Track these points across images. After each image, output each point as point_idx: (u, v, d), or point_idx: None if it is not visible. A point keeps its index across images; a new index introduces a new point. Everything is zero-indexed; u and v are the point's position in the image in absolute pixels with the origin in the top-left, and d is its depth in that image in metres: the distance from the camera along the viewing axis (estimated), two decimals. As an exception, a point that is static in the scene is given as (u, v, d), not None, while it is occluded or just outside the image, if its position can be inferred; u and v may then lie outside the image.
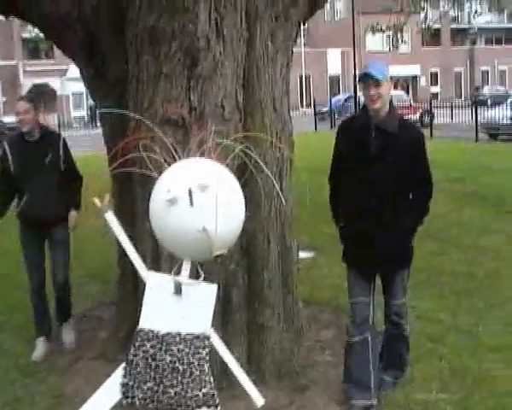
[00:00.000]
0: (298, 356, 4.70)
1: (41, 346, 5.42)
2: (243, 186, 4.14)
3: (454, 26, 54.03)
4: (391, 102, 3.98)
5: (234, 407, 4.17)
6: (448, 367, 4.70)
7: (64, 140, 5.32)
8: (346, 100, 36.09)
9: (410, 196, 4.06)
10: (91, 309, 6.39)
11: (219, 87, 4.24)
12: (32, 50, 44.56)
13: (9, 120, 30.99)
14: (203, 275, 3.88)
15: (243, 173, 4.29)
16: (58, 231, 5.37)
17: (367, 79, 3.84)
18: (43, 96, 46.51)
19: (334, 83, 52.96)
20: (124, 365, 3.91)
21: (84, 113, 44.43)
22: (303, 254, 7.23)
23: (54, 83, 45.83)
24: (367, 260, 4.05)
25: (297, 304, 4.94)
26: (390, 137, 3.90)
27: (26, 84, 46.00)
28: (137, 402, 3.88)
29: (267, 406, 4.11)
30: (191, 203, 3.60)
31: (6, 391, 4.78)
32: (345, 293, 6.01)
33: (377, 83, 3.82)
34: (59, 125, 28.21)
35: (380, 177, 3.90)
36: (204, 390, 3.79)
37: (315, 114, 31.79)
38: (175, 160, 3.96)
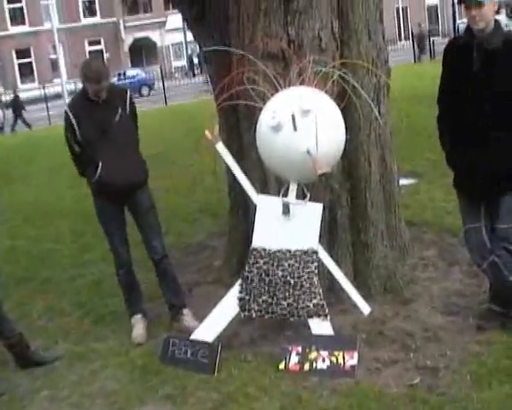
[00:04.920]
0: (402, 273, 4.93)
1: (139, 324, 4.91)
2: (343, 111, 4.38)
3: None
4: (496, 21, 3.89)
5: (342, 320, 4.47)
6: None
7: (130, 95, 4.86)
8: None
9: None
10: (206, 240, 6.86)
11: (315, 19, 4.46)
12: (131, 6, 45.64)
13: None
14: (309, 195, 4.18)
15: (342, 99, 4.51)
16: (143, 195, 4.82)
17: (469, 2, 3.85)
18: (144, 50, 47.96)
19: (433, 13, 51.07)
20: (240, 281, 4.32)
21: (184, 63, 45.30)
22: (405, 181, 7.39)
23: (153, 35, 46.92)
24: (473, 184, 3.99)
25: (400, 223, 5.14)
26: (493, 55, 3.84)
27: (128, 39, 47.39)
28: (254, 314, 4.29)
29: (374, 317, 4.43)
30: (295, 128, 3.89)
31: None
32: (449, 215, 6.22)
33: (479, 4, 3.79)
34: (161, 76, 28.90)
35: (484, 96, 3.85)
36: (314, 301, 4.14)
37: (413, 46, 31.02)
38: (277, 90, 4.24)
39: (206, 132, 4.46)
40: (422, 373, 3.80)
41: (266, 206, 4.31)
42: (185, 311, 4.97)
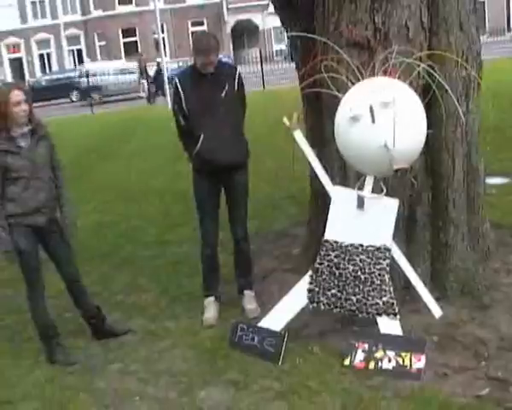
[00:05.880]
0: (482, 276, 4.71)
1: (212, 307, 4.94)
2: (428, 105, 4.22)
3: None
4: None
5: (415, 320, 4.32)
6: None
7: (239, 73, 4.83)
8: None
9: None
10: (289, 227, 6.83)
11: (403, 7, 4.29)
12: (236, -12, 45.98)
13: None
14: (385, 190, 4.07)
15: (427, 92, 4.35)
16: (240, 176, 4.87)
17: None
18: (245, 33, 48.27)
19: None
20: (310, 273, 4.27)
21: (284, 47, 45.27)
22: (497, 180, 7.08)
23: (256, 18, 47.10)
24: None
25: (483, 225, 4.91)
26: None
27: (230, 20, 47.82)
28: (322, 307, 4.23)
29: (448, 320, 4.27)
30: (373, 120, 3.78)
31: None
32: (540, 219, 5.89)
33: None
34: (261, 60, 28.96)
35: None
36: (384, 299, 4.04)
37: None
38: (359, 80, 4.13)
39: (285, 120, 4.41)
40: (492, 384, 3.63)
41: (341, 198, 4.23)
42: (246, 292, 5.02)
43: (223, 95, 4.64)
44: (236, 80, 4.74)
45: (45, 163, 4.37)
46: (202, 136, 4.63)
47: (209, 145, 4.63)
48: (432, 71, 4.15)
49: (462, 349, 4.02)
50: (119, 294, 5.70)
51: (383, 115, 3.79)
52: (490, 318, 4.34)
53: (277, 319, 4.31)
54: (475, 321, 4.31)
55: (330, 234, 4.22)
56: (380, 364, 3.89)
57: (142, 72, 27.04)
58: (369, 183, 4.09)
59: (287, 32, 5.38)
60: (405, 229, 4.58)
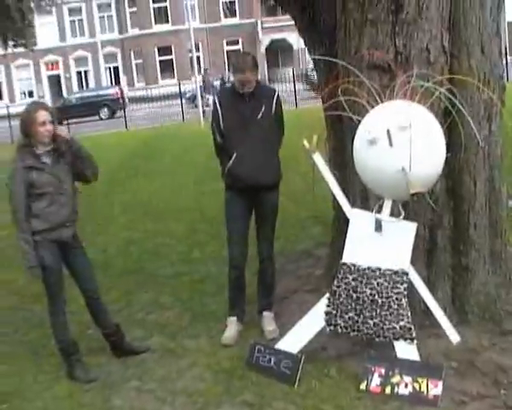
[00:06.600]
0: (504, 301, 4.63)
1: (233, 327, 4.93)
2: (450, 128, 4.18)
3: None
4: None
5: (434, 345, 4.28)
6: None
7: (278, 95, 4.88)
8: None
9: None
10: (313, 248, 6.81)
11: (424, 31, 4.28)
12: (270, 7, 46.18)
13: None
14: (403, 213, 4.05)
15: (449, 115, 4.32)
16: (270, 196, 4.91)
17: None
18: (280, 52, 48.49)
19: None
20: (328, 295, 4.26)
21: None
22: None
23: (290, 37, 47.24)
24: None
25: (506, 249, 4.84)
26: None
27: (265, 40, 48.10)
28: (339, 330, 4.21)
29: (468, 346, 4.21)
30: (390, 144, 3.77)
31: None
32: None
33: None
34: (294, 78, 29.02)
35: None
36: (401, 323, 4.00)
37: None
38: (378, 103, 4.13)
39: (305, 143, 4.43)
40: (511, 414, 3.57)
41: (359, 220, 4.22)
42: (265, 313, 5.02)
43: (259, 116, 4.71)
44: (274, 102, 4.80)
45: (69, 177, 4.48)
46: (235, 154, 4.72)
47: (240, 164, 4.71)
48: (450, 96, 4.13)
49: (481, 376, 3.96)
50: (142, 311, 5.74)
51: (400, 139, 3.78)
52: (510, 344, 4.26)
53: (294, 341, 4.30)
54: (496, 347, 4.25)
55: (348, 257, 4.21)
56: (396, 389, 3.85)
57: (208, 86, 27.52)
58: (387, 206, 4.08)
59: (310, 53, 5.41)
60: (426, 252, 4.54)
